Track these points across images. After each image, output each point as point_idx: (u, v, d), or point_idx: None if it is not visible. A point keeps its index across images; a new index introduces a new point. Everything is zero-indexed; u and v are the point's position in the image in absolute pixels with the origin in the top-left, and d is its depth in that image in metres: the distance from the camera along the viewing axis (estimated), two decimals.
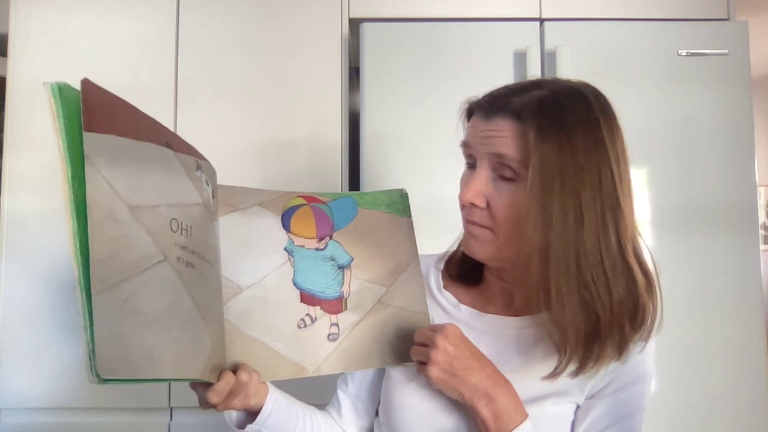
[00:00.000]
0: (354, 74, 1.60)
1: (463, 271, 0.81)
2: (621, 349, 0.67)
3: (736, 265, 1.32)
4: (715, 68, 1.35)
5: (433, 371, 0.69)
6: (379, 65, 1.38)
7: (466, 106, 0.77)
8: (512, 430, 0.67)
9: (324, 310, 0.75)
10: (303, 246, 0.76)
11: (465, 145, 0.75)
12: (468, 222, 0.73)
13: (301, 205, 0.78)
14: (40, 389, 1.38)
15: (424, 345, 0.72)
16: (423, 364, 0.71)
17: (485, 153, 0.70)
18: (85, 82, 0.54)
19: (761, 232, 1.83)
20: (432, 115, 1.36)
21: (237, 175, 1.41)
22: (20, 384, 1.38)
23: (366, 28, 1.39)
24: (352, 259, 0.78)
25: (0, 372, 1.38)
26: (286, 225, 0.76)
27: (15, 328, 1.39)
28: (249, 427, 0.71)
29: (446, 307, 0.80)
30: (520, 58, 1.36)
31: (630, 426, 0.72)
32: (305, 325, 0.73)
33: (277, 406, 0.73)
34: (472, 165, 0.74)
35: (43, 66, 1.45)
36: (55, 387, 1.38)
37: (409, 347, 0.74)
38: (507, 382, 0.70)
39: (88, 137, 0.54)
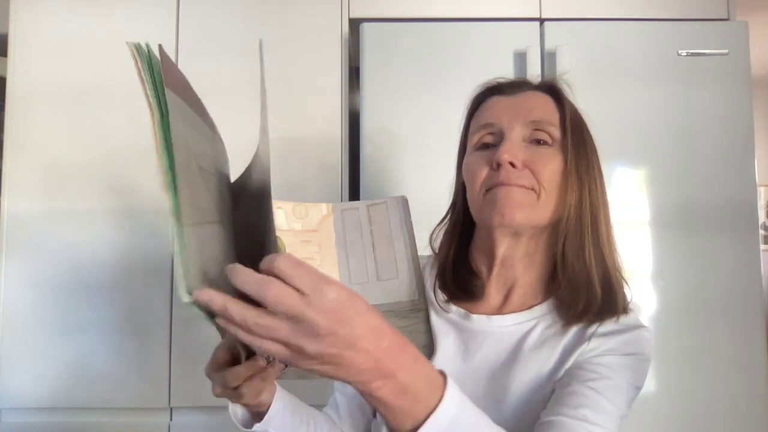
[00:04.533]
0: (354, 74, 1.60)
1: (458, 282, 0.79)
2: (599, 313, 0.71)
3: (736, 265, 1.32)
4: (715, 68, 1.35)
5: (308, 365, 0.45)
6: (379, 65, 1.38)
7: (484, 88, 0.79)
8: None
9: None
10: None
11: (485, 126, 0.75)
12: (504, 185, 0.70)
13: None
14: (40, 389, 1.38)
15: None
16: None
17: (519, 122, 0.73)
18: (161, 49, 0.55)
19: (761, 232, 1.83)
20: (431, 114, 1.36)
21: (236, 174, 1.42)
22: (20, 384, 1.38)
23: (366, 28, 1.39)
24: None
25: (0, 372, 1.38)
26: None
27: (15, 328, 1.39)
28: (257, 425, 0.71)
29: (437, 307, 0.79)
30: (520, 58, 1.36)
31: (611, 385, 0.66)
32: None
33: (284, 407, 0.73)
34: (486, 145, 0.75)
35: (43, 66, 1.45)
36: (55, 387, 1.38)
37: None
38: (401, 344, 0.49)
39: (169, 93, 0.55)
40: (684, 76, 1.36)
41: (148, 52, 0.54)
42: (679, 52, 1.36)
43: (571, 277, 0.72)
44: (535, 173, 0.71)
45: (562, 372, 0.70)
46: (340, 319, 0.43)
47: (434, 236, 0.84)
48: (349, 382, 0.46)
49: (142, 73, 0.52)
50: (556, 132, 0.73)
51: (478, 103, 0.79)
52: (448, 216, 0.85)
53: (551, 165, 0.72)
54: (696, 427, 1.30)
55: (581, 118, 0.78)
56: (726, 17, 1.46)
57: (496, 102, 0.76)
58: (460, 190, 0.81)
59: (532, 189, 0.71)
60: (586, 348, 0.70)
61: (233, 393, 0.65)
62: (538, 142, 0.73)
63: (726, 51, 1.35)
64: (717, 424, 1.30)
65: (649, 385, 1.29)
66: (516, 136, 0.72)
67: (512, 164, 0.70)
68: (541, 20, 1.43)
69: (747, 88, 1.36)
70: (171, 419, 1.41)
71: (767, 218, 3.38)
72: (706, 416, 1.30)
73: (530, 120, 0.73)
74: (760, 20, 2.30)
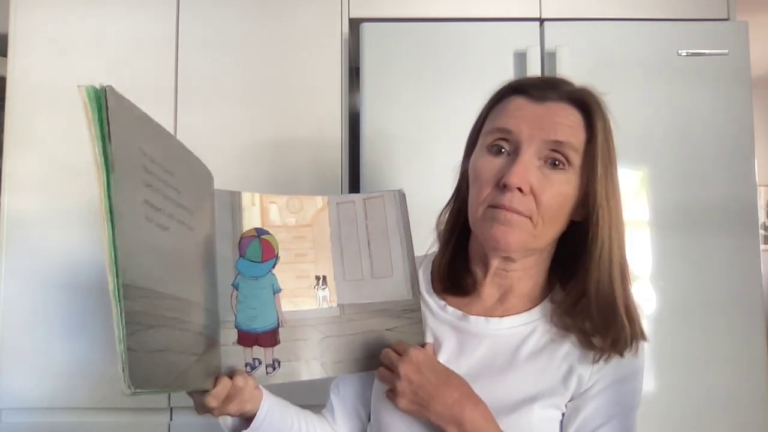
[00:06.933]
0: (354, 74, 1.60)
1: (452, 276, 0.79)
2: (615, 341, 0.69)
3: (736, 265, 1.32)
4: (715, 68, 1.35)
5: (401, 402, 0.70)
6: (379, 65, 1.38)
7: (509, 84, 0.74)
8: None
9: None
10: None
11: (502, 130, 0.70)
12: (504, 208, 0.68)
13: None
14: (40, 389, 1.38)
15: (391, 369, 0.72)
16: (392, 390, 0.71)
17: (539, 137, 0.68)
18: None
19: (761, 232, 1.83)
20: (432, 114, 1.36)
21: (237, 175, 1.42)
22: (20, 384, 1.38)
23: (366, 28, 1.39)
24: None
25: (0, 372, 1.38)
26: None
27: (15, 328, 1.39)
28: None
29: (434, 309, 0.79)
30: (520, 58, 1.36)
31: (623, 425, 0.70)
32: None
33: (271, 411, 0.73)
34: (499, 150, 0.70)
35: (43, 66, 1.45)
36: (55, 387, 1.38)
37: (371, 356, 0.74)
38: (477, 404, 0.68)
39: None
40: (684, 76, 1.36)
41: (103, 97, 0.48)
42: (679, 52, 1.36)
43: (603, 312, 0.69)
44: (537, 200, 0.67)
45: (567, 392, 0.70)
46: (416, 369, 0.69)
47: (440, 218, 0.83)
48: (435, 425, 0.68)
49: (92, 123, 0.48)
50: (576, 156, 0.68)
51: (500, 97, 0.74)
52: (452, 200, 0.82)
53: (558, 193, 0.68)
54: (696, 427, 1.30)
55: (610, 133, 0.72)
56: (726, 17, 1.45)
57: (520, 106, 0.70)
58: (465, 180, 0.77)
59: (530, 218, 0.68)
60: (591, 370, 0.70)
61: (214, 411, 0.67)
62: (553, 164, 0.68)
63: (726, 51, 1.35)
64: (717, 424, 1.30)
65: (649, 384, 1.29)
66: (530, 156, 0.68)
67: (520, 189, 0.67)
68: (541, 20, 1.43)
69: (747, 88, 1.36)
70: (171, 419, 1.41)
71: (767, 218, 3.37)
72: (705, 416, 1.30)
73: (552, 140, 0.68)
74: (760, 20, 2.30)
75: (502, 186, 0.68)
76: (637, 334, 0.70)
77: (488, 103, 0.76)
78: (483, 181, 0.70)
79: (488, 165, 0.70)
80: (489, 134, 0.72)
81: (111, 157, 0.48)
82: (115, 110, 0.49)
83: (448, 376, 0.70)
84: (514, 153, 0.69)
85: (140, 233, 0.51)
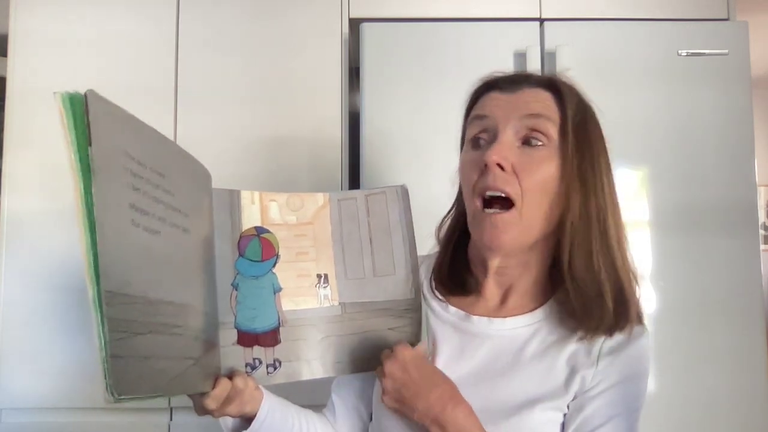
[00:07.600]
0: (354, 74, 1.60)
1: (453, 278, 0.79)
2: (609, 323, 0.69)
3: (736, 265, 1.32)
4: (715, 68, 1.35)
5: (386, 400, 0.70)
6: (379, 65, 1.38)
7: (482, 83, 0.76)
8: None
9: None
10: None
11: (480, 118, 0.72)
12: (488, 189, 0.69)
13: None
14: (40, 389, 1.38)
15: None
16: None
17: (514, 118, 0.69)
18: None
19: (761, 232, 1.83)
20: (431, 114, 1.36)
21: (237, 175, 1.42)
22: (20, 384, 1.38)
23: (366, 28, 1.39)
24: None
25: (0, 372, 1.38)
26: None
27: (15, 328, 1.39)
28: None
29: (435, 309, 0.79)
30: (520, 58, 1.36)
31: (623, 426, 0.70)
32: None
33: (272, 411, 0.73)
34: (478, 143, 0.72)
35: (43, 66, 1.45)
36: (55, 387, 1.38)
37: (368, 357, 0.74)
38: (458, 403, 0.67)
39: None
40: (684, 76, 1.36)
41: (79, 102, 0.47)
42: (679, 52, 1.36)
43: (582, 290, 0.69)
44: (520, 180, 0.68)
45: (569, 393, 0.70)
46: (401, 367, 0.69)
47: (441, 226, 0.83)
48: (419, 423, 0.67)
49: (68, 130, 0.47)
50: (554, 130, 0.69)
51: (476, 98, 0.76)
52: (453, 206, 0.83)
53: (540, 171, 0.68)
54: (696, 427, 1.30)
55: (588, 114, 0.73)
56: (726, 17, 1.46)
57: (494, 98, 0.73)
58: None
59: (513, 205, 0.68)
60: (594, 371, 0.70)
61: (214, 412, 0.66)
62: (533, 142, 0.69)
63: (726, 51, 1.35)
64: (717, 424, 1.30)
65: (649, 384, 1.28)
66: (508, 137, 0.69)
67: (500, 166, 0.68)
68: (541, 20, 1.43)
69: (747, 88, 1.36)
70: (171, 419, 1.41)
71: (767, 218, 3.38)
72: (706, 416, 1.30)
73: (527, 114, 0.69)
74: (760, 20, 2.30)
75: (483, 168, 0.69)
76: (628, 317, 0.69)
77: (468, 105, 0.78)
78: (468, 173, 0.72)
79: (471, 157, 0.73)
80: (468, 127, 0.75)
81: (92, 163, 0.47)
82: (97, 115, 0.48)
83: (433, 375, 0.70)
84: (493, 140, 0.70)
85: (125, 239, 0.50)
